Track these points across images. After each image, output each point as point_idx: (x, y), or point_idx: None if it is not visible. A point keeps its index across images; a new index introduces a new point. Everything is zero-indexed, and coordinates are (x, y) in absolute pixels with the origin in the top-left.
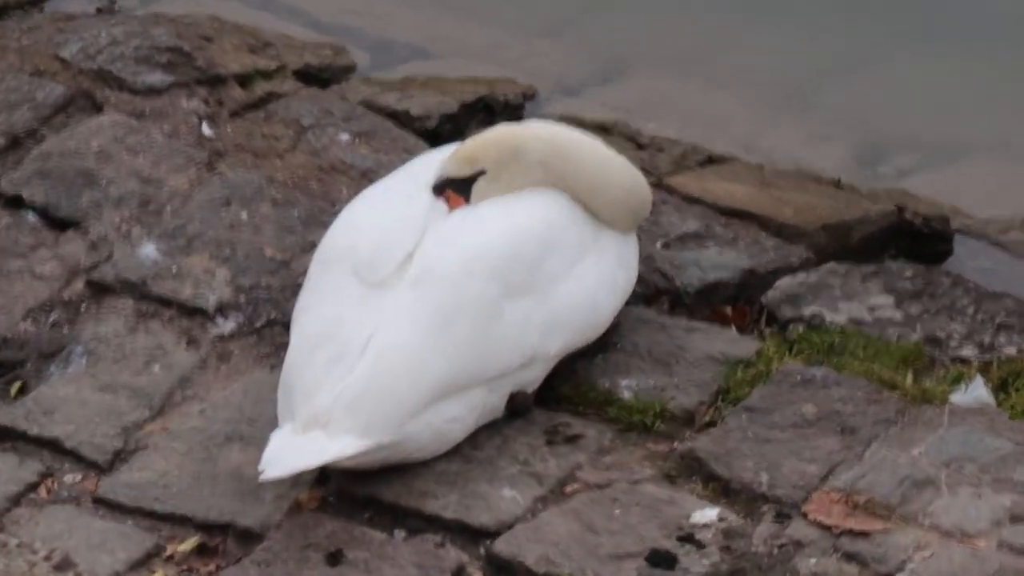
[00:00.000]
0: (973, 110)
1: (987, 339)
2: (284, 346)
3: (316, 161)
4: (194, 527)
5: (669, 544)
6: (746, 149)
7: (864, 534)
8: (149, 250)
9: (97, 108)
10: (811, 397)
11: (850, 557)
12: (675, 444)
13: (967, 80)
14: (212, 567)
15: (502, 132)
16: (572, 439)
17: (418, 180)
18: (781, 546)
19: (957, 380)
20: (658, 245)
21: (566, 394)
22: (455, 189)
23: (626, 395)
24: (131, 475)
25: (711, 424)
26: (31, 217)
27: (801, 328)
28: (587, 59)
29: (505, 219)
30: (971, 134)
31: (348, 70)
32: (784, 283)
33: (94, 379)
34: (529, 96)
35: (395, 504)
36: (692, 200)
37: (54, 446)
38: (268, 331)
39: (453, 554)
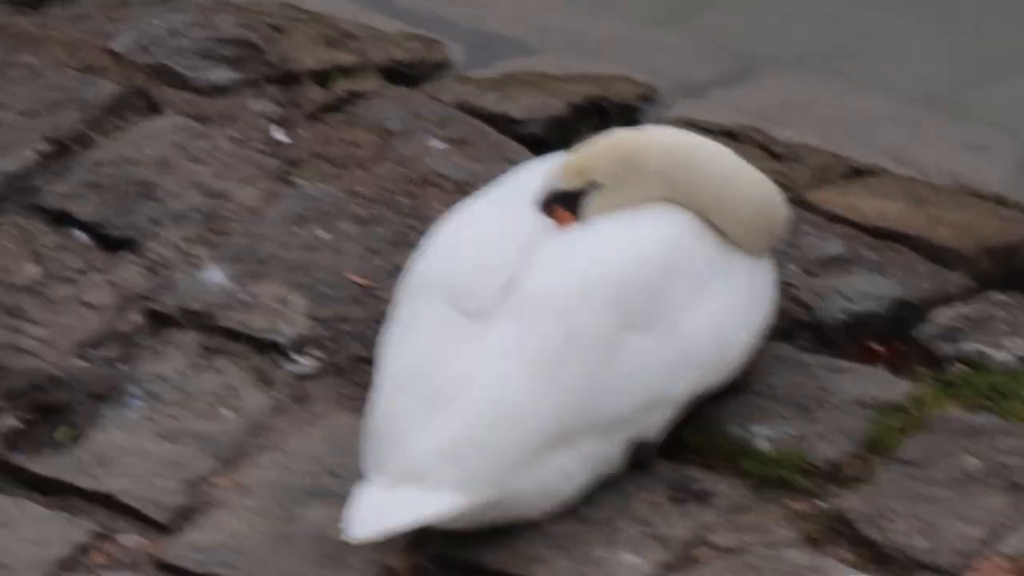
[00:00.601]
0: None
1: None
2: (371, 387)
3: (404, 172)
4: None
5: None
6: (895, 160)
7: None
8: (215, 275)
9: (154, 109)
10: (974, 448)
11: None
12: (818, 502)
13: None
14: None
15: (617, 139)
16: (700, 496)
17: (521, 193)
18: None
19: None
20: (797, 270)
21: (693, 444)
22: (564, 204)
23: (762, 445)
24: (198, 536)
25: (859, 479)
26: (80, 235)
27: (961, 368)
28: (714, 55)
29: (622, 240)
30: None
31: (441, 67)
32: (941, 315)
33: (154, 425)
34: (647, 97)
35: (500, 571)
36: (835, 218)
37: (109, 502)
38: (352, 369)
39: None
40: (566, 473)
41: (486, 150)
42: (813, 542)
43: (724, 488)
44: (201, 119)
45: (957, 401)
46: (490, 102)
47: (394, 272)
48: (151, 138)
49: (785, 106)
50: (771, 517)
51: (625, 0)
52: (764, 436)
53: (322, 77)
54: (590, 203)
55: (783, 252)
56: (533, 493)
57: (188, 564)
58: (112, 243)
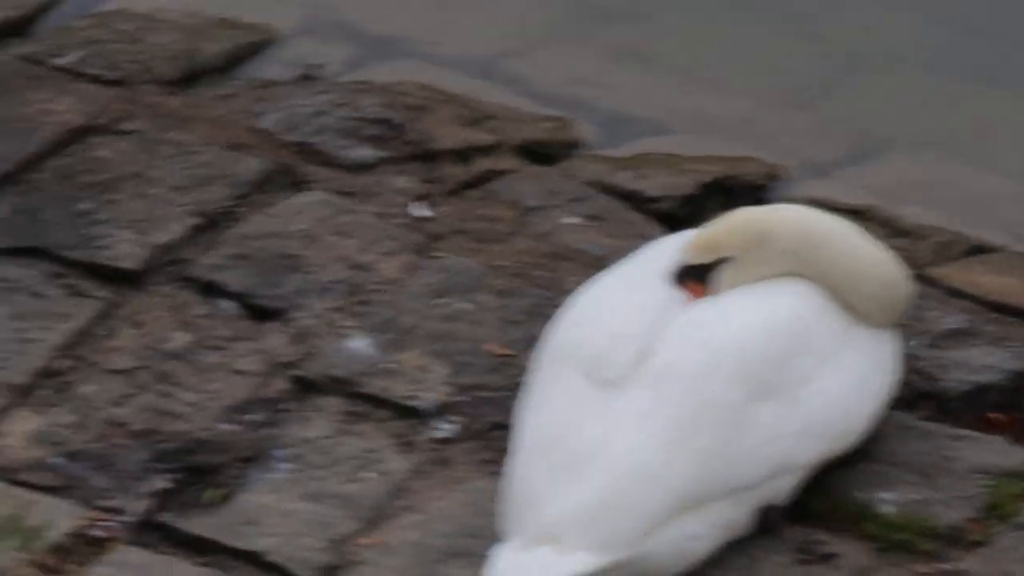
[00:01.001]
0: None
1: None
2: (508, 452)
3: (541, 246)
4: None
5: None
6: (1015, 237)
7: None
8: (359, 344)
9: (299, 185)
10: None
11: None
12: (941, 564)
13: None
14: None
15: (747, 216)
16: (826, 558)
17: (654, 268)
18: None
19: None
20: (920, 343)
21: (819, 508)
22: (695, 278)
23: (886, 509)
24: None
25: (980, 543)
26: (228, 306)
27: None
28: (839, 136)
29: (751, 312)
30: None
31: (576, 146)
32: None
33: (299, 486)
34: (774, 176)
35: None
36: (956, 293)
37: (256, 561)
38: (490, 435)
39: None
40: (696, 536)
41: (620, 226)
42: None
43: (849, 551)
44: (345, 194)
45: None
46: (624, 180)
47: (531, 342)
48: (297, 213)
49: (908, 185)
50: None
51: (754, 81)
52: (888, 501)
53: (462, 155)
54: (720, 277)
55: (906, 325)
56: (664, 555)
57: None
58: (260, 313)
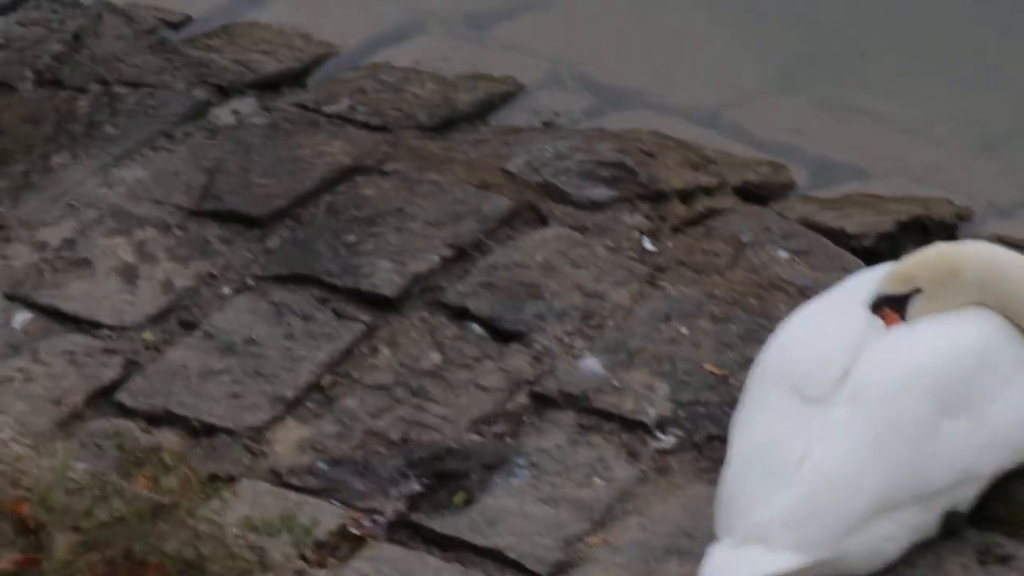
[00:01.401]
0: None
1: None
2: (723, 461)
3: (755, 278)
4: None
5: None
6: None
7: None
8: (591, 364)
9: (541, 221)
10: None
11: None
12: None
13: None
14: None
15: (939, 252)
16: (1005, 560)
17: (855, 297)
18: None
19: None
20: None
21: (999, 513)
22: (891, 307)
23: None
24: None
25: None
26: (477, 329)
27: None
28: (1021, 180)
29: (941, 337)
30: None
31: (787, 187)
32: None
33: (537, 491)
34: (964, 217)
35: None
36: None
37: (497, 557)
38: (707, 446)
39: None
40: (889, 538)
41: (825, 260)
42: None
43: None
44: (582, 230)
45: None
46: (829, 218)
47: (745, 363)
48: (539, 246)
49: None
50: None
51: (945, 131)
52: None
53: (686, 195)
54: (914, 306)
55: None
56: (860, 555)
57: None
58: (504, 335)
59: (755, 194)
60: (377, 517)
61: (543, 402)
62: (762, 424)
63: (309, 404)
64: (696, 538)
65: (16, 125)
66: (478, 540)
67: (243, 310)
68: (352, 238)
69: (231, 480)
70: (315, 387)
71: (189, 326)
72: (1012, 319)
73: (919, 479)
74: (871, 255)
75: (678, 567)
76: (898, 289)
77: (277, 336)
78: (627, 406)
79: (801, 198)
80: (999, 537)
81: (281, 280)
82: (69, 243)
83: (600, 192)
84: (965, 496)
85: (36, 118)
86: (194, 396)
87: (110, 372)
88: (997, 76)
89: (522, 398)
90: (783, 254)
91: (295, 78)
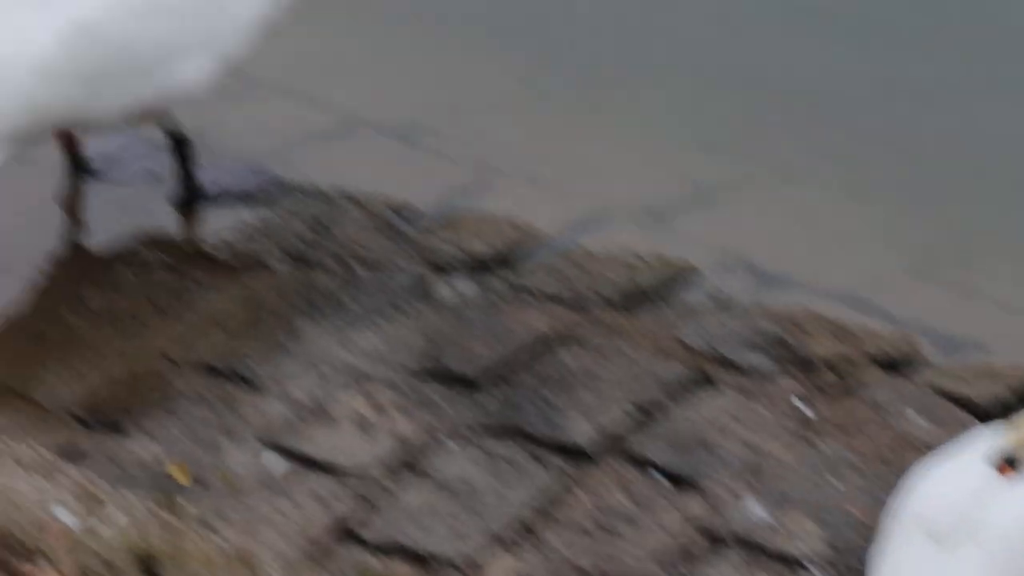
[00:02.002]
0: None
1: None
2: None
3: (892, 436)
4: None
5: None
6: None
7: None
8: (754, 508)
9: (711, 385)
10: None
11: None
12: None
13: None
14: None
15: None
16: None
17: (977, 455)
18: None
19: None
20: None
21: None
22: (1009, 463)
23: None
24: None
25: None
26: (657, 476)
27: None
28: None
29: None
30: None
31: (918, 359)
32: None
33: None
34: None
35: None
36: None
37: None
38: None
39: None
40: None
41: (951, 422)
42: None
43: None
44: (745, 393)
45: None
46: (954, 386)
47: (885, 510)
48: (709, 406)
49: None
50: None
51: None
52: None
53: (833, 365)
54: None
55: None
56: None
57: None
58: (680, 482)
59: (891, 364)
60: None
61: (715, 541)
62: (901, 568)
63: (517, 539)
64: None
65: (269, 297)
66: None
67: (461, 457)
68: (552, 397)
69: None
70: (522, 524)
71: (416, 471)
72: None
73: None
74: (989, 417)
75: None
76: (1014, 447)
77: (490, 480)
78: (786, 545)
79: (931, 368)
80: None
81: (492, 432)
82: (314, 398)
83: (761, 361)
84: None
85: (286, 291)
86: (421, 531)
87: (350, 510)
88: None
89: (697, 537)
90: (915, 416)
91: (505, 260)
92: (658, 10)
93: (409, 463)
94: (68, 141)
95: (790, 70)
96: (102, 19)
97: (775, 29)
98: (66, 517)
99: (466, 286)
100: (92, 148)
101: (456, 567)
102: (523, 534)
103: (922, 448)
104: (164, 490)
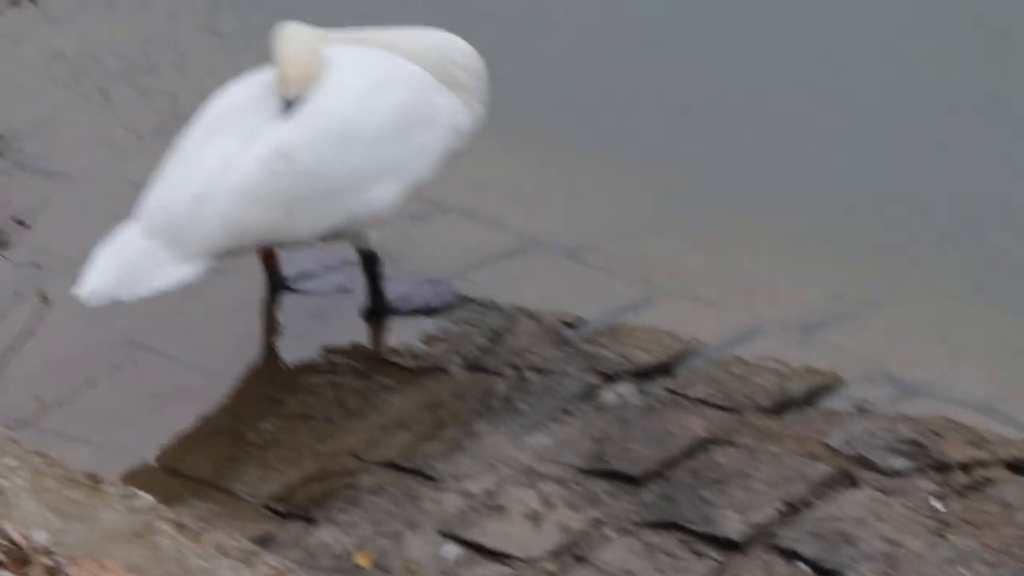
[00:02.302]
0: None
1: None
2: None
3: (1021, 533)
4: None
5: None
6: None
7: None
8: None
9: (854, 484)
10: None
11: None
12: None
13: None
14: None
15: None
16: None
17: None
18: None
19: None
20: None
21: None
22: None
23: None
24: None
25: None
26: (803, 567)
27: None
28: None
29: None
30: None
31: None
32: None
33: None
34: None
35: None
36: None
37: None
38: None
39: None
40: None
41: None
42: None
43: None
44: (885, 492)
45: None
46: None
47: None
48: (851, 503)
49: None
50: None
51: None
52: None
53: (966, 467)
54: None
55: None
56: None
57: None
58: (825, 573)
59: (1020, 466)
60: None
61: None
62: None
63: None
64: None
65: (449, 400)
66: None
67: (623, 548)
68: (707, 493)
69: None
70: None
71: (581, 560)
72: None
73: None
74: None
75: None
76: None
77: (649, 569)
78: None
79: None
80: None
81: (652, 525)
82: (488, 493)
83: (899, 462)
84: None
85: (464, 395)
86: None
87: None
88: None
89: None
90: None
91: (665, 368)
92: (806, 137)
93: (575, 553)
94: (268, 256)
95: (930, 191)
96: (301, 148)
97: (915, 153)
98: None
99: (629, 392)
100: (289, 262)
101: None
102: None
103: None
104: None
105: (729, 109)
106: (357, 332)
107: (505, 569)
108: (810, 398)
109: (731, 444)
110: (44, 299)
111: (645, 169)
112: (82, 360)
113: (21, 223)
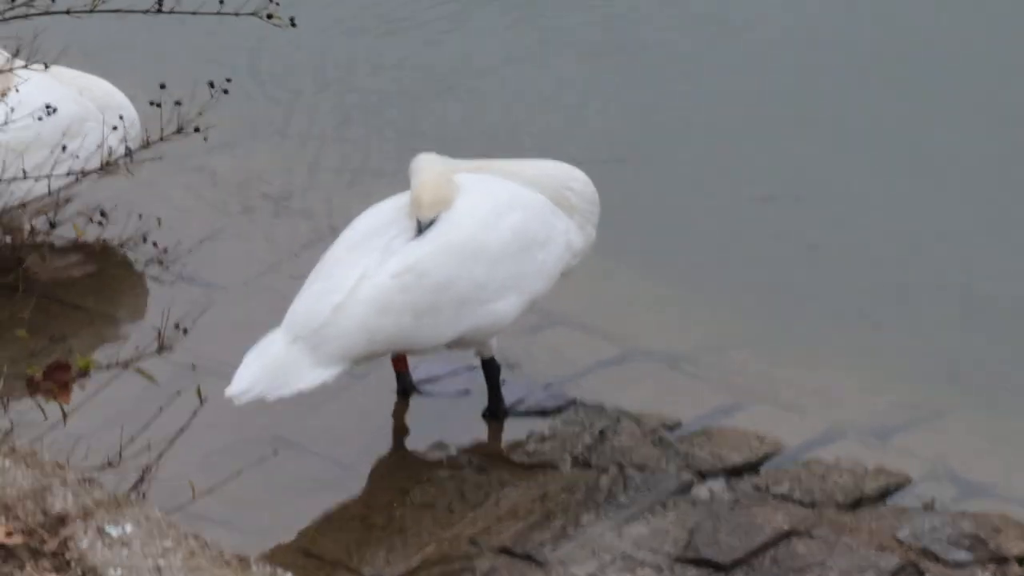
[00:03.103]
0: None
1: None
2: None
3: None
4: None
5: None
6: None
7: None
8: None
9: (920, 575)
10: None
11: None
12: None
13: None
14: None
15: None
16: None
17: None
18: None
19: None
20: None
21: None
22: None
23: None
24: None
25: None
26: None
27: None
28: None
29: None
30: None
31: None
32: None
33: None
34: None
35: None
36: None
37: None
38: None
39: None
40: None
41: None
42: None
43: None
44: None
45: None
46: None
47: None
48: None
49: None
50: None
51: None
52: None
53: (1021, 560)
54: None
55: None
56: None
57: None
58: None
59: None
60: None
61: None
62: None
63: None
64: None
65: (558, 493)
66: None
67: None
68: None
69: None
70: None
71: None
72: None
73: None
74: None
75: None
76: None
77: None
78: None
79: None
80: None
81: None
82: None
83: (962, 555)
84: None
85: (572, 488)
86: None
87: None
88: None
89: None
90: None
91: (752, 466)
92: (877, 267)
93: None
94: (398, 361)
95: (1003, 309)
96: (431, 264)
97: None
98: None
99: (720, 487)
100: (417, 367)
101: None
102: None
103: None
104: None
105: (804, 245)
106: (477, 431)
107: None
108: (882, 495)
109: (810, 536)
110: (200, 397)
111: (735, 289)
112: (231, 452)
113: (181, 329)
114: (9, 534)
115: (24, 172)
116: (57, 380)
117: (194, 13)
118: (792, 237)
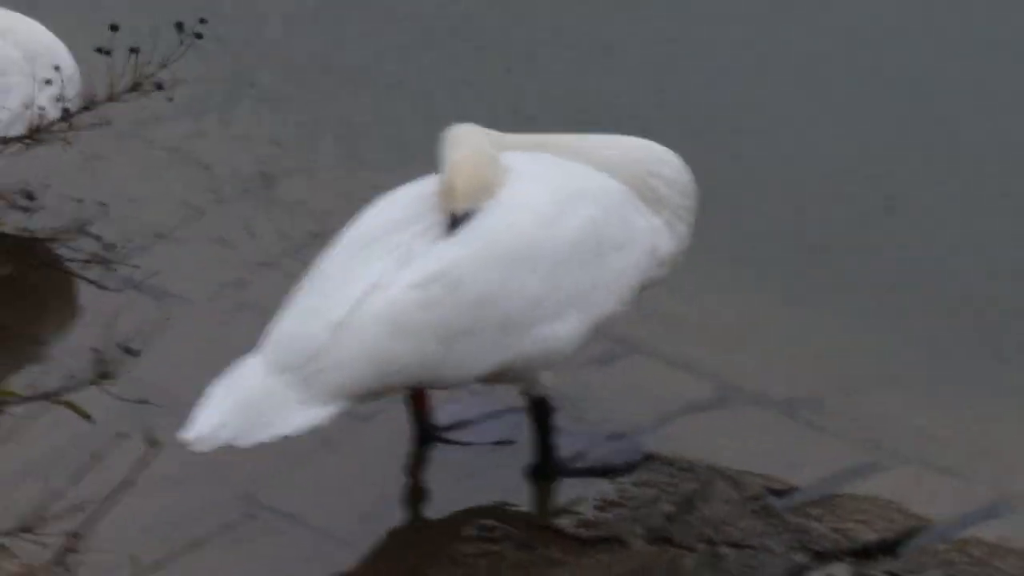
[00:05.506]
0: None
1: None
2: None
3: None
4: None
5: None
6: None
7: None
8: None
9: None
10: None
11: None
12: None
13: None
14: None
15: None
16: None
17: None
18: None
19: None
20: None
21: None
22: None
23: None
24: None
25: None
26: None
27: None
28: None
29: None
30: None
31: None
32: None
33: None
34: None
35: None
36: None
37: None
38: None
39: None
40: None
41: None
42: None
43: None
44: None
45: None
46: None
47: None
48: None
49: None
50: None
51: None
52: None
53: None
54: None
55: None
56: None
57: None
58: None
59: None
60: None
61: None
62: None
63: None
64: None
65: None
66: None
67: None
68: None
69: None
70: None
71: None
72: None
73: None
74: None
75: None
76: None
77: None
78: None
79: None
80: None
81: None
82: None
83: None
84: None
85: (646, 572)
86: None
87: None
88: None
89: None
90: None
91: (889, 547)
92: None
93: None
94: (417, 399)
95: None
96: (467, 272)
97: None
98: None
99: (844, 574)
100: (442, 408)
101: None
102: None
103: None
104: None
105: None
106: (519, 494)
107: None
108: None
109: None
110: (151, 442)
111: (874, 311)
112: (189, 517)
113: (129, 351)
114: None
115: None
116: None
117: None
118: (950, 249)
